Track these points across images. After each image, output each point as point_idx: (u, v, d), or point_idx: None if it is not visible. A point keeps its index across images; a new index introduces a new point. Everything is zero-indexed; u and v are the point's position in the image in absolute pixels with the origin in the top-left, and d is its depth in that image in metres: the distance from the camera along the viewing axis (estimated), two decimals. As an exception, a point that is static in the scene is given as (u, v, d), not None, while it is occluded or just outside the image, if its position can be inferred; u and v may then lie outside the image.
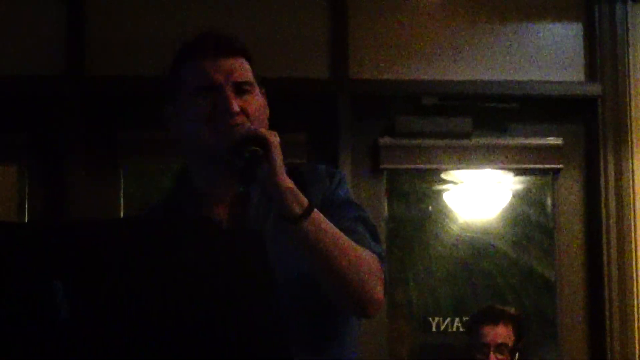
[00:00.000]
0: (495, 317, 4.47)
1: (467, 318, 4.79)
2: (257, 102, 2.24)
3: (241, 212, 2.25)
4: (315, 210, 2.10)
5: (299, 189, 2.12)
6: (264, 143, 2.09)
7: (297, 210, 2.08)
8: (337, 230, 2.13)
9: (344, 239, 2.13)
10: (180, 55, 2.28)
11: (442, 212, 5.11)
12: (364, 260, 2.16)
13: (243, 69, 2.24)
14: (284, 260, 2.14)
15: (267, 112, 2.30)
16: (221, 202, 2.28)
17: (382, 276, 2.20)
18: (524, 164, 5.06)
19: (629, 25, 4.96)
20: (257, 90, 2.26)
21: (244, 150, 2.09)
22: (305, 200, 2.09)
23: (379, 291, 2.18)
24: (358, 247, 2.16)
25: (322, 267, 2.12)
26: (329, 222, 2.12)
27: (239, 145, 2.11)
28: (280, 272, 2.11)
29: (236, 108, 2.19)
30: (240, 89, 2.22)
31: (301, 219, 2.08)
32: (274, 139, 2.11)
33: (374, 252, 2.21)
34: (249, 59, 2.28)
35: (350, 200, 2.31)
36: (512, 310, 4.55)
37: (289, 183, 2.10)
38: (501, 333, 4.44)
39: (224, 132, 2.16)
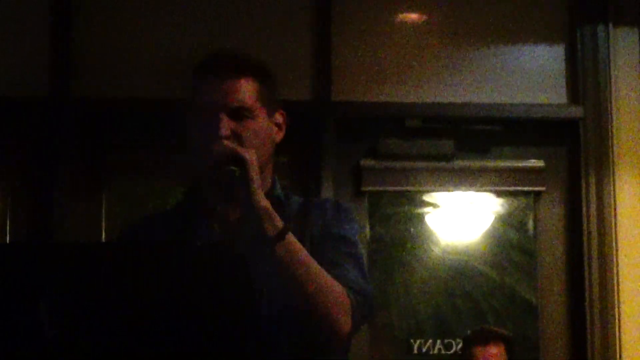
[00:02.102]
0: (486, 338, 4.53)
1: (449, 340, 4.85)
2: (255, 127, 2.23)
3: (238, 228, 2.24)
4: (290, 234, 2.10)
5: (302, 215, 2.13)
6: (242, 162, 2.10)
7: (270, 232, 2.09)
8: (309, 259, 2.13)
9: (315, 268, 2.13)
10: (193, 72, 2.27)
11: (424, 235, 5.10)
12: (330, 292, 2.14)
13: (244, 92, 2.22)
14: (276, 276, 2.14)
15: (277, 135, 2.33)
16: (222, 215, 2.26)
17: (350, 310, 2.18)
18: (506, 186, 5.07)
19: (611, 47, 4.99)
20: (259, 114, 2.25)
21: (222, 169, 2.11)
22: (280, 224, 2.10)
23: (342, 323, 2.16)
24: (328, 279, 2.15)
25: (290, 289, 2.12)
26: (303, 248, 2.13)
27: (218, 164, 2.12)
28: (275, 287, 2.12)
29: (225, 132, 2.18)
30: (237, 114, 2.21)
31: (273, 241, 2.08)
32: (251, 158, 2.12)
33: (350, 287, 2.19)
34: (260, 78, 2.27)
35: (347, 237, 2.30)
36: (503, 331, 4.61)
37: (265, 203, 2.11)
38: (492, 352, 4.49)
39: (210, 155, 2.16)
